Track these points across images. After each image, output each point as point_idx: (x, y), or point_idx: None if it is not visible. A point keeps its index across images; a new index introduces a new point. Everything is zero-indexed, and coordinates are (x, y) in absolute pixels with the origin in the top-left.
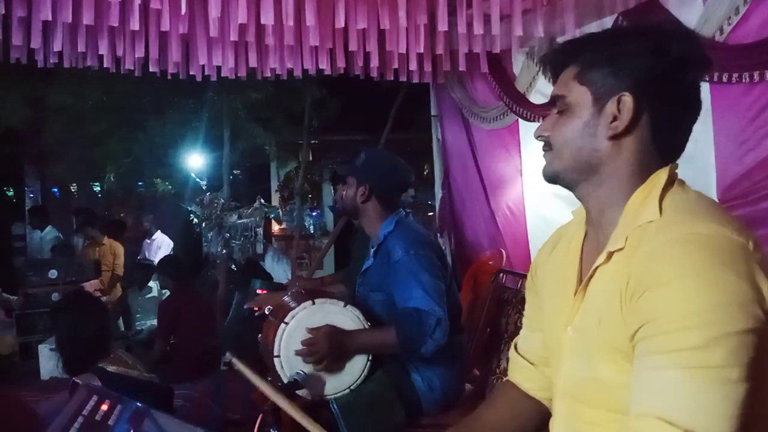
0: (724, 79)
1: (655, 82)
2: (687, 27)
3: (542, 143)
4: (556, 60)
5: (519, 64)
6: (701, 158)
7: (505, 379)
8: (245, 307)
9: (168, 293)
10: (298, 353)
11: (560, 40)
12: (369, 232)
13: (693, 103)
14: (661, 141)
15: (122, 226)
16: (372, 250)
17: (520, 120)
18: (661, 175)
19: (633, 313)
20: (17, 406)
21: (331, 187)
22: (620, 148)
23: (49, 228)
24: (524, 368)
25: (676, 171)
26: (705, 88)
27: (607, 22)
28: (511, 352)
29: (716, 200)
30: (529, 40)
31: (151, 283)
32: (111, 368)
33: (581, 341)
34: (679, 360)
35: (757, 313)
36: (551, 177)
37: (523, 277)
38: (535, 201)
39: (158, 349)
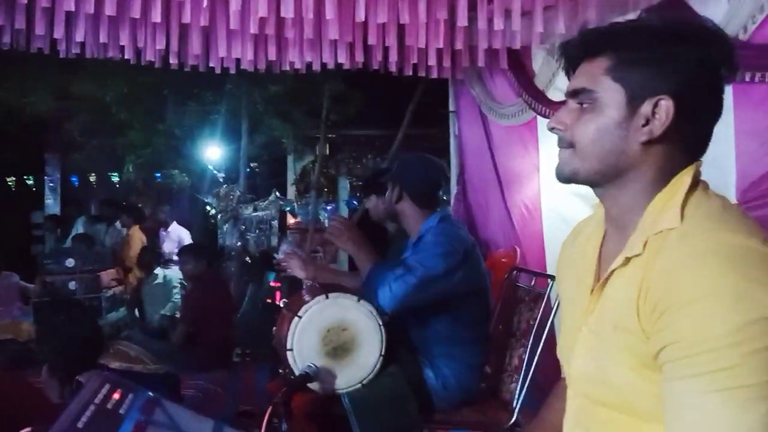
0: (747, 79)
1: (696, 89)
2: (722, 30)
3: (557, 139)
4: (584, 48)
5: (539, 60)
6: (721, 158)
7: (562, 377)
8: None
9: (193, 281)
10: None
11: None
12: (411, 234)
13: (721, 106)
14: (690, 144)
15: (143, 214)
16: (411, 244)
17: (538, 117)
18: (684, 178)
19: (656, 331)
20: (31, 392)
21: (348, 182)
22: (648, 152)
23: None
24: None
25: (700, 170)
26: (728, 88)
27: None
28: (558, 354)
29: (735, 201)
30: (549, 36)
31: (157, 271)
32: (114, 365)
33: (595, 343)
34: (711, 383)
35: None
36: (569, 177)
37: (537, 275)
38: (552, 199)
39: (180, 334)
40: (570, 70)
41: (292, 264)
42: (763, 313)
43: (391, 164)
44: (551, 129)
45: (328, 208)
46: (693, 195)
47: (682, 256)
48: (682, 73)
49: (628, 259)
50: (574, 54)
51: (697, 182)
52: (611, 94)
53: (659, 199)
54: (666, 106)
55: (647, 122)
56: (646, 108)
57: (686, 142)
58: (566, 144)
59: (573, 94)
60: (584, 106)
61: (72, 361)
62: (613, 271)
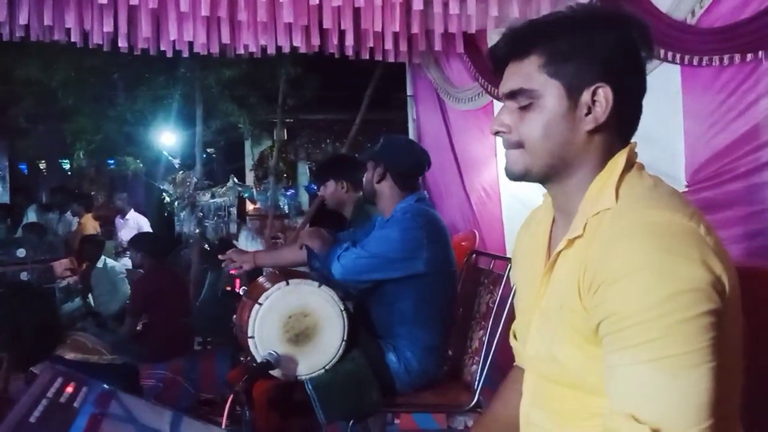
0: (695, 62)
1: (625, 71)
2: (635, 13)
3: (503, 141)
4: (512, 49)
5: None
6: (670, 141)
7: (513, 365)
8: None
9: (142, 271)
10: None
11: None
12: (385, 215)
13: (645, 85)
14: (624, 126)
15: (92, 202)
16: (382, 222)
17: (494, 101)
18: (619, 160)
19: (592, 306)
20: None
21: (307, 167)
22: (592, 140)
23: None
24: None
25: (636, 152)
26: (676, 71)
27: (584, 3)
28: (511, 341)
29: (684, 183)
30: (504, 20)
31: (100, 261)
32: (69, 356)
33: (545, 324)
34: (642, 354)
35: (713, 296)
36: (521, 176)
37: (497, 258)
38: (510, 182)
39: (128, 327)
40: (497, 73)
41: (236, 261)
42: (686, 285)
43: (373, 144)
44: (495, 133)
45: (288, 193)
46: (627, 176)
47: (614, 234)
48: (611, 59)
49: (571, 241)
50: (502, 56)
51: (632, 164)
52: (550, 90)
53: (597, 181)
54: (605, 92)
55: (589, 111)
56: (585, 97)
57: (622, 124)
58: (513, 145)
59: (510, 95)
60: (525, 105)
61: (31, 348)
62: (558, 253)
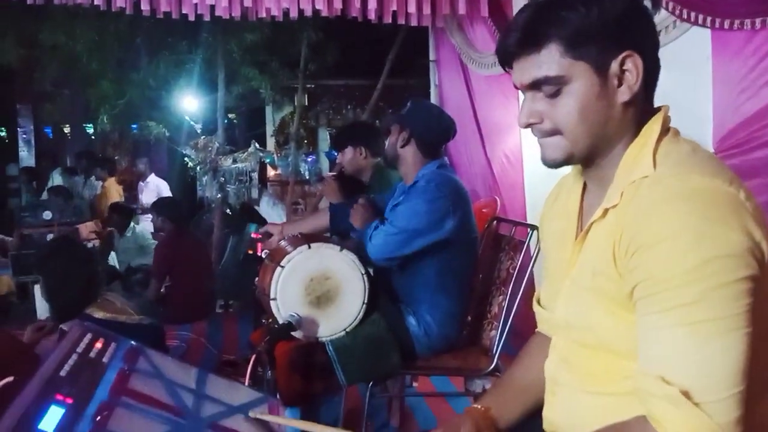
0: (726, 26)
1: (641, 32)
2: None
3: (535, 130)
4: (525, 44)
5: (520, 7)
6: (699, 107)
7: (535, 331)
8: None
9: (163, 234)
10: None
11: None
12: (406, 180)
13: (658, 39)
14: (650, 87)
15: (115, 166)
16: (407, 189)
17: None
18: (654, 126)
19: (628, 270)
20: (12, 343)
21: (327, 133)
22: (628, 109)
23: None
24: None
25: (669, 116)
26: (706, 36)
27: None
28: (535, 307)
29: (712, 149)
30: None
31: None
32: (98, 314)
33: (576, 292)
34: (676, 318)
35: (751, 262)
36: (563, 162)
37: (518, 224)
38: (533, 149)
39: (153, 289)
40: (507, 65)
41: (269, 240)
42: (722, 251)
43: (400, 108)
44: (527, 125)
45: (308, 159)
46: (663, 141)
47: (654, 200)
48: (627, 24)
49: (606, 211)
50: (516, 54)
51: (667, 129)
52: (578, 72)
53: (632, 148)
54: (634, 61)
55: (620, 82)
56: (614, 68)
57: (648, 86)
58: (548, 133)
59: (534, 85)
60: (553, 93)
61: (74, 300)
62: (592, 223)
